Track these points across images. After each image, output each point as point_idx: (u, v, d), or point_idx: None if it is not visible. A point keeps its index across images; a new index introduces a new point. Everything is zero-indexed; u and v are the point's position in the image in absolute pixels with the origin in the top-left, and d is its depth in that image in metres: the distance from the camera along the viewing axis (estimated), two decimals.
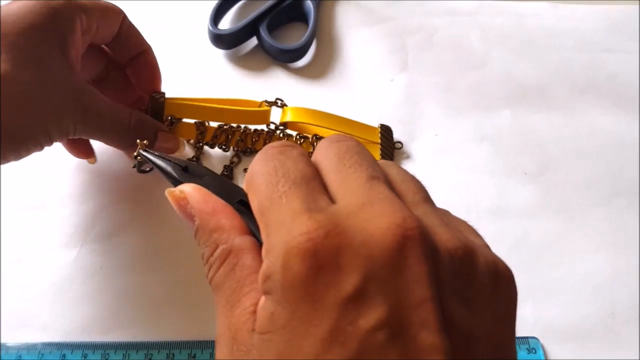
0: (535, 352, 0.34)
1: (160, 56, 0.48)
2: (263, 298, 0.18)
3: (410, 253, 0.16)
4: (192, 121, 0.39)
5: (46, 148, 0.31)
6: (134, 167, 0.32)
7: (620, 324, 0.36)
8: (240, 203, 0.22)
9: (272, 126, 0.40)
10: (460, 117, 0.44)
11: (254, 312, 0.18)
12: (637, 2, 0.51)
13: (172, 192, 0.22)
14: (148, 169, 0.34)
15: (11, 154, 0.30)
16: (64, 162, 0.41)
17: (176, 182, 0.24)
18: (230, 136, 0.40)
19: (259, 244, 0.20)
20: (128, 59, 0.37)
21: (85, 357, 0.33)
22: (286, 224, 0.17)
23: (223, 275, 0.20)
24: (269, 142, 0.38)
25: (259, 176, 0.19)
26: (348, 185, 0.19)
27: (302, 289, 0.16)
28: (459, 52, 0.48)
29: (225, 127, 0.40)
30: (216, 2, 0.47)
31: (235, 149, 0.40)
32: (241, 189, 0.22)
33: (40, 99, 0.30)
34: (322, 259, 0.16)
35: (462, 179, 0.41)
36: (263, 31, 0.46)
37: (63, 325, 0.35)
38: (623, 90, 0.46)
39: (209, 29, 0.46)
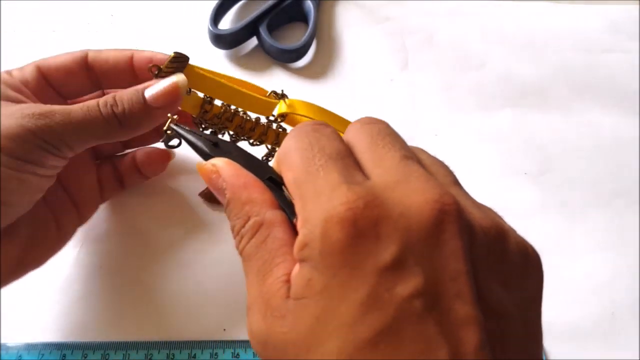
0: None
1: None
2: (298, 266, 0.18)
3: (447, 228, 0.17)
4: (200, 95, 0.36)
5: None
6: (162, 140, 0.32)
7: (620, 324, 0.36)
8: (270, 180, 0.22)
9: (272, 118, 0.38)
10: (460, 117, 0.44)
11: (287, 280, 0.19)
12: (637, 2, 0.51)
13: (204, 166, 0.23)
14: (176, 144, 0.32)
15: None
16: None
17: (206, 157, 0.24)
18: (231, 120, 0.38)
19: (289, 220, 0.21)
20: (129, 80, 0.33)
21: (85, 357, 0.33)
22: (325, 195, 0.18)
23: (254, 246, 0.20)
24: (266, 134, 0.36)
25: (293, 151, 0.20)
26: (383, 164, 0.19)
27: (341, 256, 0.17)
28: (459, 52, 0.48)
29: (229, 108, 0.36)
30: (216, 2, 0.47)
31: (233, 136, 0.37)
32: (269, 167, 0.23)
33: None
34: (361, 228, 0.17)
35: (462, 179, 0.41)
36: (263, 31, 0.46)
37: (63, 325, 0.35)
38: (623, 90, 0.46)
39: (209, 29, 0.46)
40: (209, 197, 0.33)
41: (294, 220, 0.20)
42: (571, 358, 0.35)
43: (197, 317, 0.35)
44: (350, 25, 0.50)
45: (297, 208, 0.19)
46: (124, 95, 0.30)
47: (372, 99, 0.45)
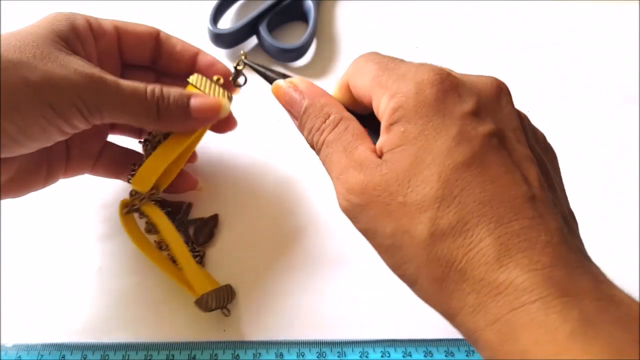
0: None
1: None
2: (385, 135, 0.23)
3: (504, 97, 0.24)
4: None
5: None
6: (231, 79, 0.35)
7: None
8: None
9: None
10: None
11: (373, 150, 0.24)
12: (637, 2, 0.51)
13: (280, 84, 0.28)
14: (242, 82, 0.35)
15: (21, 135, 0.27)
16: None
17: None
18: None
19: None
20: (187, 67, 0.35)
21: (84, 357, 0.33)
22: (412, 72, 0.23)
23: (337, 133, 0.25)
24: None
25: (366, 62, 0.26)
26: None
27: (434, 105, 0.22)
28: (459, 52, 0.48)
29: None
30: (216, 1, 0.47)
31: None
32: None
33: (34, 72, 0.27)
34: (446, 87, 0.22)
35: None
36: (263, 30, 0.46)
37: (63, 325, 0.35)
38: (623, 90, 0.46)
39: (208, 28, 0.45)
40: (204, 305, 0.34)
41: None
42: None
43: (197, 317, 0.35)
44: (350, 25, 0.50)
45: (377, 96, 0.24)
46: (171, 93, 0.31)
47: None
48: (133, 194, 0.34)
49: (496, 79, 0.24)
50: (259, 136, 0.42)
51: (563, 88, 0.46)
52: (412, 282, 0.22)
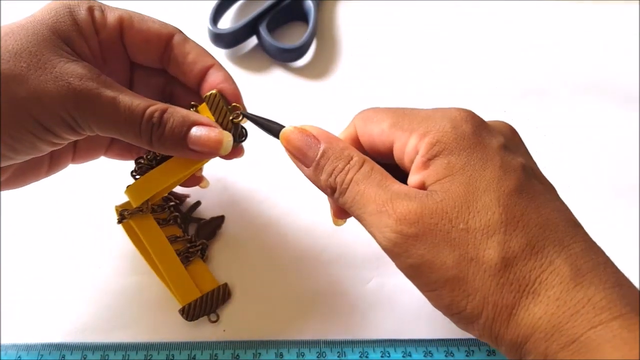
0: None
1: None
2: (425, 169, 0.24)
3: (519, 139, 0.27)
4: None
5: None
6: (235, 140, 0.31)
7: None
8: None
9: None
10: None
11: (407, 185, 0.24)
12: (637, 2, 0.51)
13: (291, 130, 0.27)
14: (243, 137, 0.32)
15: (9, 152, 0.27)
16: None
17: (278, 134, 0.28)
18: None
19: None
20: (196, 81, 0.32)
21: (84, 357, 0.33)
22: (439, 112, 0.25)
23: (365, 172, 0.25)
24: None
25: (377, 112, 0.27)
26: None
27: (473, 138, 0.23)
28: (459, 52, 0.48)
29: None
30: (216, 1, 0.47)
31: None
32: None
33: (23, 86, 0.26)
34: (478, 122, 0.24)
35: None
36: (263, 30, 0.46)
37: (63, 325, 0.35)
38: (623, 90, 0.46)
39: (208, 28, 0.45)
40: (186, 314, 0.34)
41: None
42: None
43: None
44: (350, 25, 0.50)
45: (401, 139, 0.25)
46: (172, 118, 0.28)
47: (372, 98, 0.45)
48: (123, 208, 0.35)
49: (508, 123, 0.27)
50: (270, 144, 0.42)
51: (563, 88, 0.46)
52: (473, 318, 0.22)
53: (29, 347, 0.33)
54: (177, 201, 0.38)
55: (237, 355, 0.33)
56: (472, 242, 0.21)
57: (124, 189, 0.33)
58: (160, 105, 0.28)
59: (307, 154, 0.26)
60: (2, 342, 0.34)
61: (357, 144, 0.28)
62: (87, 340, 0.34)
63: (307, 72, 0.47)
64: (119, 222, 0.35)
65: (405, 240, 0.22)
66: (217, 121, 0.31)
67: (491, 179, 0.22)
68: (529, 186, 0.23)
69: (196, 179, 0.37)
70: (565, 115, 0.45)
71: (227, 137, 0.30)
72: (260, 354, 0.33)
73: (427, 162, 0.24)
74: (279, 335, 0.34)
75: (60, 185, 0.40)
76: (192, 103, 0.32)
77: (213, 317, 0.35)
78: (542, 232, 0.21)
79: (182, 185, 0.36)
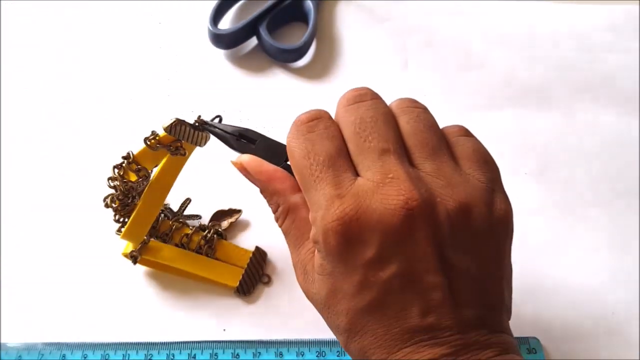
0: (536, 352, 0.34)
1: (161, 56, 0.48)
2: (314, 255, 0.25)
3: (414, 225, 0.22)
4: None
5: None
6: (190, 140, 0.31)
7: (620, 324, 0.36)
8: (287, 161, 0.27)
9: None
10: (460, 117, 0.44)
11: (314, 251, 0.25)
12: (637, 2, 0.51)
13: (235, 163, 0.28)
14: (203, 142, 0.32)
15: None
16: (63, 162, 0.41)
17: (233, 149, 0.29)
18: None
19: None
20: None
21: (85, 357, 0.33)
22: (322, 209, 0.23)
23: (288, 225, 0.27)
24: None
25: (296, 153, 0.25)
26: (364, 161, 0.24)
27: (338, 254, 0.23)
28: (459, 52, 0.48)
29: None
30: (216, 2, 0.47)
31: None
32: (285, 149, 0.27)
33: None
34: (350, 236, 0.22)
35: None
36: (263, 31, 0.46)
37: (63, 325, 0.35)
38: (623, 90, 0.46)
39: (208, 28, 0.46)
40: (243, 292, 0.36)
41: None
42: (571, 358, 0.34)
43: (197, 317, 0.35)
44: (350, 25, 0.50)
45: (307, 202, 0.24)
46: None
47: None
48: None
49: (405, 201, 0.22)
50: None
51: (562, 88, 0.46)
52: None
53: (29, 347, 0.34)
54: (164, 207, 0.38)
55: (237, 354, 0.33)
56: (334, 329, 0.25)
57: (119, 234, 0.33)
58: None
59: (253, 182, 0.28)
60: (2, 342, 0.34)
61: None
62: (87, 340, 0.34)
63: (307, 72, 0.47)
64: (135, 263, 0.35)
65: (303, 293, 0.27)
66: (187, 141, 0.31)
67: (346, 292, 0.23)
68: (384, 301, 0.23)
69: None
70: (564, 115, 0.45)
71: (241, 158, 0.29)
72: (260, 353, 0.33)
73: (315, 246, 0.25)
74: (278, 335, 0.34)
75: (60, 185, 0.40)
76: (151, 136, 0.31)
77: (265, 279, 0.37)
78: (375, 341, 0.23)
79: None
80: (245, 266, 0.36)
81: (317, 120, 0.25)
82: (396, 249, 0.22)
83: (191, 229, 0.37)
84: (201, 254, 0.36)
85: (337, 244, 0.23)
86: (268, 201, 0.28)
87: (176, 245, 0.36)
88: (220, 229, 0.38)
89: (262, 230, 0.39)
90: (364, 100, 0.25)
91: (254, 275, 0.36)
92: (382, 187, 0.22)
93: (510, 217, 0.25)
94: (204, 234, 0.37)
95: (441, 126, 0.27)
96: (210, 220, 0.38)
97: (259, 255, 0.37)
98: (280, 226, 0.27)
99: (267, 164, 0.28)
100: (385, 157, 0.23)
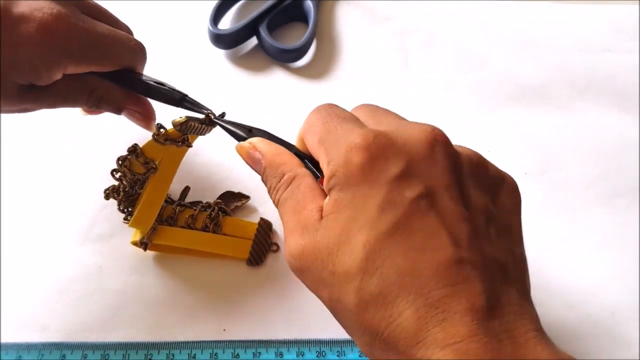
0: None
1: (161, 56, 0.48)
2: (326, 198, 0.23)
3: (439, 150, 0.22)
4: None
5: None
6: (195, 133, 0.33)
7: (620, 324, 0.36)
8: (295, 154, 0.28)
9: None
10: (460, 117, 0.44)
11: (319, 210, 0.23)
12: (637, 2, 0.51)
13: (243, 145, 0.28)
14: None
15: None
16: (63, 161, 0.41)
17: (243, 140, 0.29)
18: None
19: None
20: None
21: (85, 357, 0.33)
22: (343, 138, 0.23)
23: (290, 192, 0.25)
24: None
25: (315, 120, 0.25)
26: (383, 123, 0.25)
27: (361, 174, 0.22)
28: (459, 52, 0.48)
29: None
30: (216, 2, 0.47)
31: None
32: (294, 146, 0.28)
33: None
34: (374, 152, 0.22)
35: None
36: (263, 31, 0.46)
37: (63, 325, 0.35)
38: (623, 90, 0.46)
39: (209, 28, 0.46)
40: (255, 262, 0.37)
41: (318, 181, 0.25)
42: (571, 358, 0.34)
43: (197, 317, 0.35)
44: (350, 25, 0.50)
45: (321, 160, 0.24)
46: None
47: (372, 98, 0.45)
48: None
49: (431, 131, 0.23)
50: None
51: (562, 88, 0.46)
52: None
53: (29, 347, 0.34)
54: None
55: (237, 354, 0.33)
56: (337, 285, 0.21)
57: (128, 222, 0.35)
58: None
59: (256, 168, 0.28)
60: (2, 342, 0.34)
61: None
62: (87, 340, 0.34)
63: (307, 72, 0.47)
64: (145, 249, 0.36)
65: (295, 271, 0.24)
66: (194, 134, 0.33)
67: (366, 220, 0.21)
68: (409, 224, 0.21)
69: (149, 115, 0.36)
70: (564, 115, 0.45)
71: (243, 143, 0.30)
72: (260, 353, 0.33)
73: (328, 193, 0.23)
74: (278, 335, 0.34)
75: (60, 184, 0.40)
76: (160, 129, 0.33)
77: (274, 247, 0.38)
78: (400, 279, 0.20)
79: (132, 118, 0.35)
80: (253, 237, 0.37)
81: (335, 104, 0.27)
82: (422, 170, 0.22)
83: (194, 210, 0.37)
84: (208, 231, 0.37)
85: (361, 162, 0.22)
86: (272, 174, 0.26)
87: (182, 227, 0.37)
88: (222, 206, 0.38)
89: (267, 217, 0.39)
90: (372, 104, 0.28)
91: (263, 245, 0.37)
92: (405, 127, 0.24)
93: (517, 186, 0.26)
94: (209, 212, 0.37)
95: (441, 125, 0.27)
96: (218, 198, 0.39)
97: (265, 225, 0.38)
98: (280, 196, 0.26)
99: (276, 144, 0.28)
100: (402, 120, 0.26)
